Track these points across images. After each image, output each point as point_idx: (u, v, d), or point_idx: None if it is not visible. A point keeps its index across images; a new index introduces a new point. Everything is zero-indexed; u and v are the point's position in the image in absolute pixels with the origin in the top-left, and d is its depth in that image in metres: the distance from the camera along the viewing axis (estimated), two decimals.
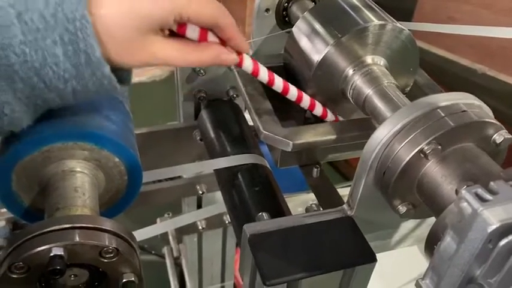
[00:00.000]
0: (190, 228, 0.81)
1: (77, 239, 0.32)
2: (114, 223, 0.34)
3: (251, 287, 0.39)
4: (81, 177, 0.40)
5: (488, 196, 0.27)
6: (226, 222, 0.83)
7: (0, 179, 0.40)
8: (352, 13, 0.48)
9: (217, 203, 0.66)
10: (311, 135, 0.46)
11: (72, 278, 0.35)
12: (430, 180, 0.35)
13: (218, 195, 0.79)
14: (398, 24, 0.46)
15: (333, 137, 0.46)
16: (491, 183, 0.28)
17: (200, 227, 0.81)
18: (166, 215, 0.86)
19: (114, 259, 0.33)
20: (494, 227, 0.26)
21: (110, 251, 0.33)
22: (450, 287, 0.31)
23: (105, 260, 0.33)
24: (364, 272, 0.38)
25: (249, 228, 0.39)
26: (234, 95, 0.65)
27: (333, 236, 0.39)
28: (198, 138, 0.67)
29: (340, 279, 0.38)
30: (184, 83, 0.63)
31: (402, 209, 0.38)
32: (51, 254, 0.31)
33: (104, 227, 0.33)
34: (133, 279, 0.34)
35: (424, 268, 0.34)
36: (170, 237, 0.78)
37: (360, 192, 0.40)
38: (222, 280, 0.96)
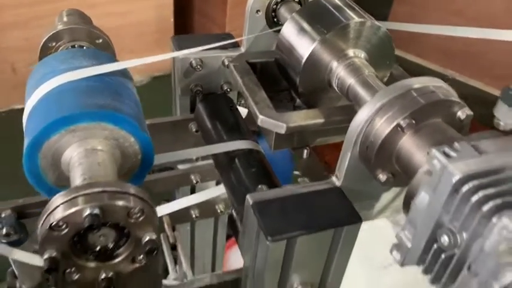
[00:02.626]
0: (184, 217, 0.86)
1: (109, 200, 0.37)
2: (137, 188, 0.39)
3: (255, 247, 0.44)
4: (101, 154, 0.45)
5: (453, 154, 0.34)
6: (219, 211, 0.89)
7: (29, 157, 0.44)
8: (335, 12, 0.55)
9: (211, 188, 0.72)
10: (302, 119, 0.52)
11: (101, 238, 0.40)
12: (406, 151, 0.42)
13: (211, 184, 0.85)
14: (376, 22, 0.53)
15: (322, 120, 0.53)
16: (456, 143, 0.35)
17: (193, 216, 0.85)
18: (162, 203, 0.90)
19: (140, 219, 0.38)
20: (458, 177, 0.33)
21: (137, 211, 0.38)
22: (424, 235, 0.37)
23: (132, 220, 0.38)
24: (352, 231, 0.44)
25: (252, 197, 0.45)
26: (228, 89, 0.71)
27: (324, 203, 0.46)
28: (194, 130, 0.73)
29: (332, 238, 0.44)
30: (182, 77, 0.68)
31: (383, 177, 0.45)
32: (87, 213, 0.36)
33: (130, 191, 0.39)
34: (154, 237, 0.40)
35: None
36: (165, 225, 0.83)
37: (346, 165, 0.46)
38: (213, 269, 1.01)
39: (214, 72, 0.69)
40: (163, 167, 0.83)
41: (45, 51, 0.59)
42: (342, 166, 0.47)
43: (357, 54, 0.53)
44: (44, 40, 0.59)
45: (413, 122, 0.41)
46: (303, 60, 0.54)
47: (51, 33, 0.59)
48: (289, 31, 0.57)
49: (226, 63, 0.68)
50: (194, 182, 0.82)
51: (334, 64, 0.54)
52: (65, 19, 0.64)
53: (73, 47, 0.61)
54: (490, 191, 0.32)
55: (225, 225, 0.95)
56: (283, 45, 0.58)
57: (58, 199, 0.37)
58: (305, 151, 0.56)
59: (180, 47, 0.66)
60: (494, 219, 0.31)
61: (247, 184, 0.56)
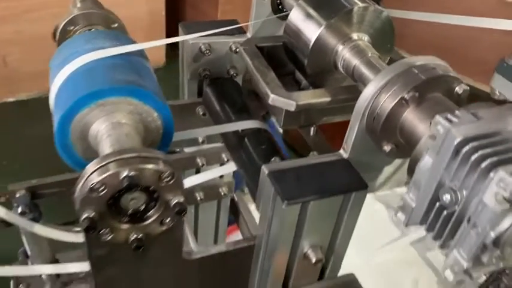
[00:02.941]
0: (189, 199, 0.89)
1: (142, 164, 0.41)
2: (166, 155, 0.43)
3: (270, 213, 0.48)
4: (127, 127, 0.48)
5: (455, 119, 0.38)
6: (222, 194, 0.92)
7: (61, 131, 0.48)
8: None
9: (216, 167, 0.76)
10: (310, 97, 0.56)
11: (132, 202, 0.43)
12: (410, 122, 0.46)
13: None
14: (379, 7, 0.57)
15: (328, 99, 0.57)
16: (456, 111, 0.39)
17: (198, 198, 0.89)
18: None
19: (170, 183, 0.42)
20: (459, 139, 0.37)
21: (167, 175, 0.42)
22: (427, 195, 0.41)
23: (163, 184, 0.42)
24: (359, 197, 0.49)
25: (267, 167, 0.49)
26: (234, 74, 0.74)
27: (333, 172, 0.50)
28: (201, 113, 0.76)
29: (341, 203, 0.48)
30: (192, 62, 0.72)
31: (387, 148, 0.49)
32: (125, 174, 0.40)
33: (161, 157, 0.42)
34: (182, 200, 0.43)
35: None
36: None
37: (353, 138, 0.50)
38: None
39: (221, 57, 0.73)
40: (171, 150, 0.87)
41: (64, 35, 0.62)
42: (349, 139, 0.51)
43: (361, 37, 0.57)
44: (62, 24, 0.62)
45: (417, 95, 0.45)
46: (311, 44, 0.58)
47: (69, 18, 0.62)
48: (297, 17, 0.61)
49: (234, 48, 0.71)
50: (200, 164, 0.86)
51: (340, 47, 0.58)
52: (78, 5, 0.67)
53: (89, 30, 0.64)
54: (487, 150, 0.36)
55: (227, 209, 0.99)
56: (291, 30, 0.62)
57: (94, 164, 0.41)
58: (312, 129, 0.60)
59: (189, 33, 0.69)
60: (491, 174, 0.35)
61: (258, 161, 0.60)
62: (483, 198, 0.36)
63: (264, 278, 0.55)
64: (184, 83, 0.77)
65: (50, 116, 0.52)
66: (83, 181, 0.40)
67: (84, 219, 0.40)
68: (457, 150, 0.38)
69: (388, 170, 0.57)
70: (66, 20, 0.62)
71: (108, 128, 0.48)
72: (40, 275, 0.89)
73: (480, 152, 0.36)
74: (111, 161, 0.40)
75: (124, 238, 0.44)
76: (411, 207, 0.43)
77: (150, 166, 0.41)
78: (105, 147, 0.46)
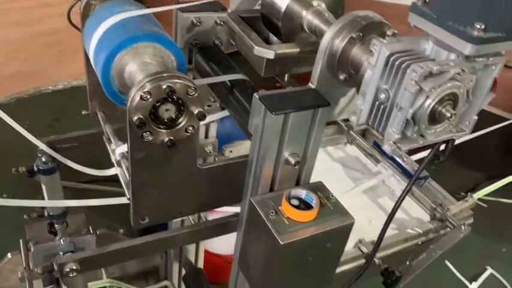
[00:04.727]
0: None
1: (176, 79, 0.58)
2: (187, 75, 0.60)
3: (262, 124, 0.66)
4: (153, 66, 0.65)
5: (384, 41, 0.58)
6: (208, 152, 1.09)
7: (105, 66, 0.64)
8: None
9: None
10: (284, 48, 0.76)
11: (166, 112, 0.60)
12: (357, 54, 0.66)
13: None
14: None
15: (298, 49, 0.76)
16: (387, 37, 0.59)
17: None
18: None
19: (194, 95, 0.60)
20: (388, 52, 0.57)
21: (193, 89, 0.59)
22: (370, 98, 0.61)
23: (190, 96, 0.59)
24: (324, 113, 0.68)
25: (258, 94, 0.67)
26: (219, 43, 0.92)
27: (305, 96, 0.69)
28: (192, 77, 0.93)
29: (311, 117, 0.67)
30: (185, 33, 0.89)
31: (342, 77, 0.68)
32: (166, 85, 0.57)
33: (187, 77, 0.59)
34: (202, 110, 0.61)
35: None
36: None
37: (318, 72, 0.70)
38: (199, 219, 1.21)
39: (208, 30, 0.91)
40: None
41: (88, 8, 0.78)
42: (315, 73, 0.70)
43: (319, 4, 0.77)
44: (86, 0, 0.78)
45: (361, 35, 0.65)
46: (282, 10, 0.77)
47: None
48: None
49: (218, 21, 0.90)
50: None
51: (304, 12, 0.77)
52: None
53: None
54: (406, 58, 0.57)
55: None
56: (267, 2, 0.81)
57: (142, 81, 0.57)
58: (286, 75, 0.80)
59: (181, 10, 0.87)
60: (408, 70, 0.55)
61: (246, 102, 0.78)
62: (404, 86, 0.56)
63: (256, 183, 0.72)
64: None
65: None
66: (133, 93, 0.57)
67: (136, 119, 0.57)
68: (387, 61, 0.58)
69: (343, 100, 0.76)
70: None
71: (140, 65, 0.64)
72: (49, 228, 1.03)
73: (401, 59, 0.56)
74: (154, 78, 0.57)
75: (159, 140, 0.61)
76: (360, 109, 0.63)
77: (181, 81, 0.58)
78: (140, 76, 0.63)
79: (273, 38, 0.85)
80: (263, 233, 0.69)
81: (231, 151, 1.10)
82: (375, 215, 1.20)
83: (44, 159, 0.89)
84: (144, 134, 0.60)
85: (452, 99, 0.58)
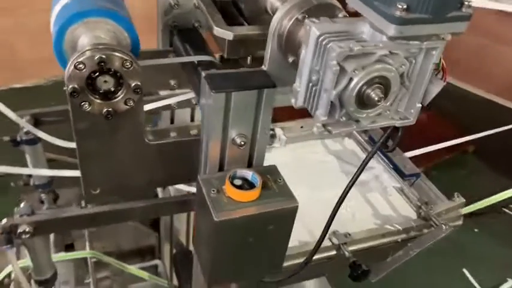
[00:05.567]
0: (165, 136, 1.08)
1: (110, 51, 0.60)
2: (128, 50, 0.62)
3: (205, 101, 0.67)
4: (105, 40, 0.68)
5: (317, 21, 0.57)
6: (192, 134, 1.11)
7: (57, 40, 0.67)
8: None
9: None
10: (245, 30, 0.76)
11: (104, 84, 0.62)
12: (303, 38, 0.65)
13: (187, 111, 1.08)
14: None
15: (258, 32, 0.76)
16: (321, 18, 0.58)
17: (171, 135, 1.08)
18: None
19: (130, 68, 0.61)
20: (318, 33, 0.56)
21: (129, 63, 0.61)
22: (305, 79, 0.60)
23: (125, 69, 0.61)
24: (269, 95, 0.67)
25: (205, 73, 0.68)
26: (198, 26, 0.94)
27: (253, 77, 0.69)
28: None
29: (257, 98, 0.67)
30: (163, 15, 0.92)
31: (291, 59, 0.68)
32: (98, 56, 0.59)
33: (124, 50, 0.61)
34: (139, 83, 0.62)
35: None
36: None
37: (269, 54, 0.69)
38: None
39: (187, 12, 0.92)
40: (148, 93, 1.06)
41: None
42: (266, 55, 0.70)
43: None
44: None
45: (306, 16, 0.64)
46: None
47: None
48: None
49: (197, 4, 0.91)
50: (174, 106, 1.05)
51: None
52: None
53: None
54: (334, 39, 0.55)
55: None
56: None
57: (79, 51, 0.60)
58: (249, 58, 0.80)
59: None
60: (327, 49, 0.54)
61: None
62: (329, 66, 0.54)
63: (206, 162, 0.73)
64: (159, 34, 0.96)
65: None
66: (70, 62, 0.60)
67: (70, 87, 0.59)
68: (317, 41, 0.57)
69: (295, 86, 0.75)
70: None
71: (91, 39, 0.67)
72: (40, 198, 1.09)
73: (329, 39, 0.55)
74: (90, 49, 0.60)
75: (98, 110, 0.63)
76: (297, 91, 0.62)
77: (116, 54, 0.60)
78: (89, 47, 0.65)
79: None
80: (205, 210, 0.70)
81: None
82: (361, 209, 1.18)
83: (25, 130, 0.94)
84: (82, 103, 0.62)
85: (383, 82, 0.56)
